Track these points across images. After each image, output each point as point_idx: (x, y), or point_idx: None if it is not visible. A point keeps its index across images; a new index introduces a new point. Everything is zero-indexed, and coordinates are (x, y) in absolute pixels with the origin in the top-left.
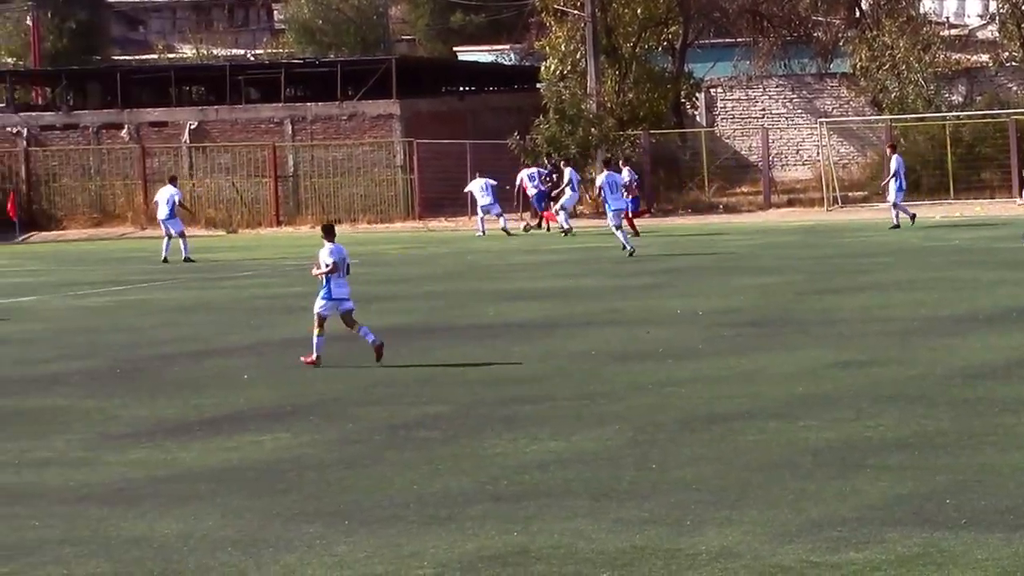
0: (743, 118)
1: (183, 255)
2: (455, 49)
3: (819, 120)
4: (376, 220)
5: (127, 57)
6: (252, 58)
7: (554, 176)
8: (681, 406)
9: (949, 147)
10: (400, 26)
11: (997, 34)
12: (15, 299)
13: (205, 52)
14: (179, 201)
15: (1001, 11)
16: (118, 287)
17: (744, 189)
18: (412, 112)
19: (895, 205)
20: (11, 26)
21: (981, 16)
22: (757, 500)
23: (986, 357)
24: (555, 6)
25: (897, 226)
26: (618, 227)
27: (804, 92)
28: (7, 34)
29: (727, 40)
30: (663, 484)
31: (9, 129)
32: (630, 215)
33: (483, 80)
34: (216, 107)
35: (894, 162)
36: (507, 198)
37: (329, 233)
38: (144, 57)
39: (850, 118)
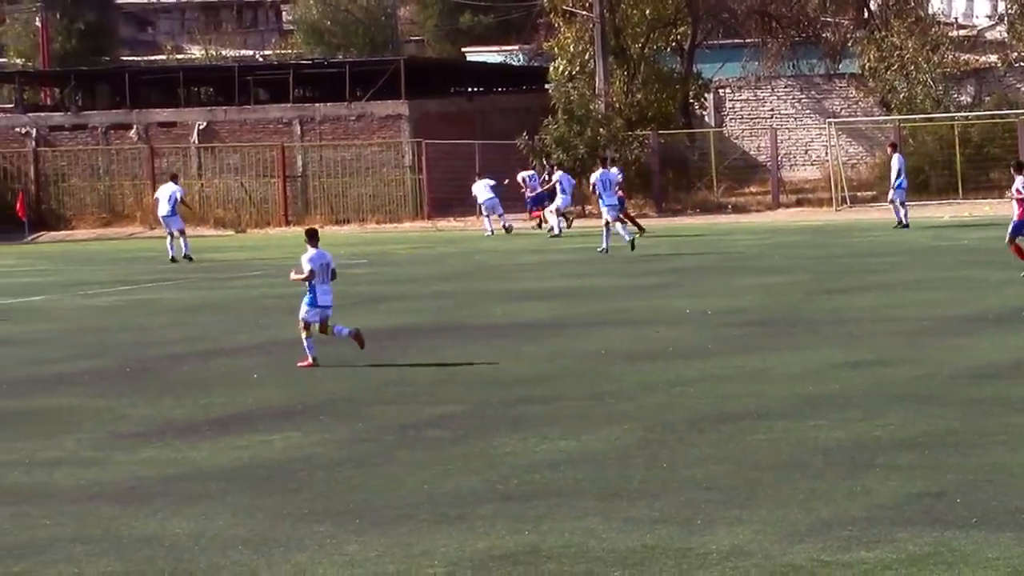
0: (752, 118)
1: (183, 252)
2: (464, 50)
3: (828, 120)
4: (385, 220)
5: (136, 58)
6: (261, 59)
7: (549, 178)
8: (691, 405)
9: (958, 147)
10: (409, 27)
11: (1006, 35)
12: (24, 299)
13: (214, 53)
14: (181, 198)
15: (1010, 12)
16: (127, 287)
17: (753, 189)
18: (421, 113)
19: (902, 204)
20: (20, 27)
21: (990, 17)
22: (767, 499)
23: (995, 357)
24: (564, 7)
25: (905, 225)
26: (616, 220)
27: (813, 92)
28: (16, 35)
29: (736, 41)
30: (673, 483)
31: (18, 129)
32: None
33: (492, 81)
34: (225, 107)
35: (895, 161)
36: (506, 197)
37: (312, 238)
38: (153, 58)
39: (859, 118)
